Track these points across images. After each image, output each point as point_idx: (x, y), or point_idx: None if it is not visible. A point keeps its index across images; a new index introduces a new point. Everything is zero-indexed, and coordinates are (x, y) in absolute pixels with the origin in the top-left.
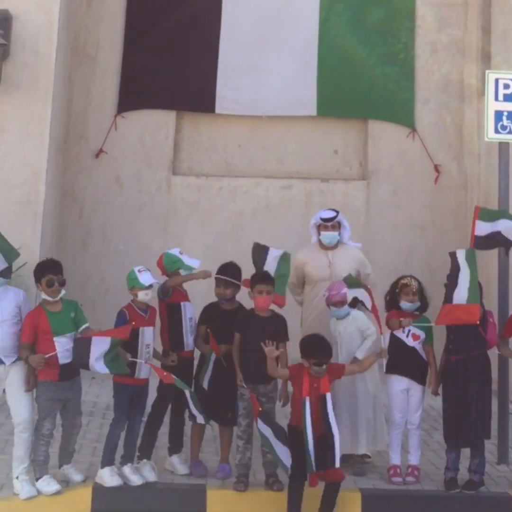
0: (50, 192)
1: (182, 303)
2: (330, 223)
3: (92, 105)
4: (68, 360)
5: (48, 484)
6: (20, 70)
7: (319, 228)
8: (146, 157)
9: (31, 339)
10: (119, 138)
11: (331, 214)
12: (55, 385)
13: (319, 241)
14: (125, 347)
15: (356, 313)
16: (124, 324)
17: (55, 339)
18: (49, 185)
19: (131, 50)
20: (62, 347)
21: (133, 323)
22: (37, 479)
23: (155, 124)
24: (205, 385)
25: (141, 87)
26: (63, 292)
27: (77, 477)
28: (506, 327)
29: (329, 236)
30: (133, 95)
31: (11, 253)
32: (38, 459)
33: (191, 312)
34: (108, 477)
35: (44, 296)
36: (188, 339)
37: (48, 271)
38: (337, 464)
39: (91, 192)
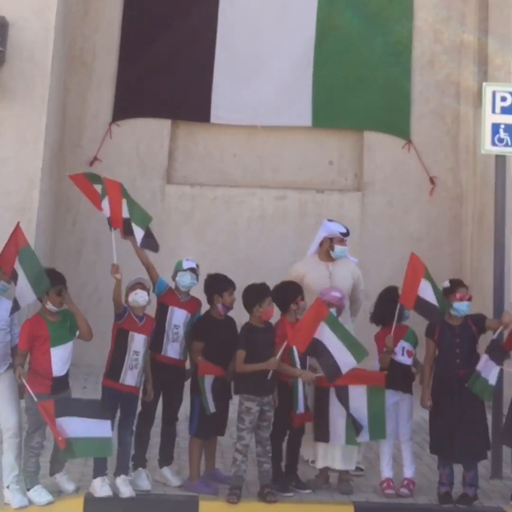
0: (45, 200)
1: (170, 307)
2: (347, 237)
3: (87, 113)
4: (61, 373)
5: (39, 495)
6: (16, 77)
7: (331, 241)
8: (141, 166)
9: (27, 347)
10: (114, 147)
11: (345, 228)
12: (47, 397)
13: (321, 252)
14: (114, 351)
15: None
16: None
17: (52, 349)
18: (43, 192)
19: (127, 59)
20: (58, 358)
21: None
22: (28, 489)
23: (150, 133)
24: (211, 409)
25: (137, 95)
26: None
27: (69, 486)
28: (508, 341)
29: (343, 250)
30: (129, 103)
31: (41, 283)
32: (28, 470)
33: (178, 320)
34: (98, 487)
35: (49, 306)
36: (167, 345)
37: (58, 281)
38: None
39: (85, 200)
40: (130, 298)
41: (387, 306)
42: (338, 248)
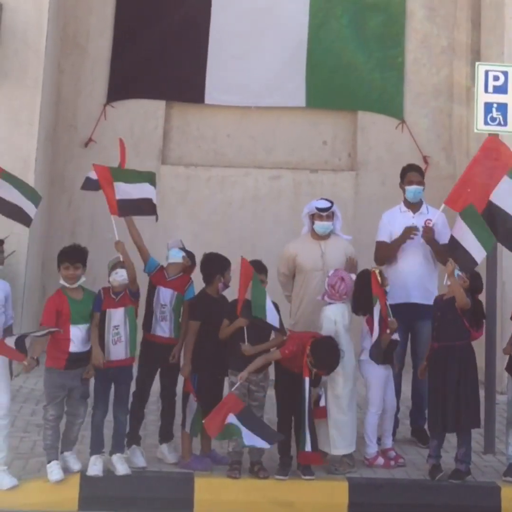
0: (39, 181)
1: (157, 287)
2: (325, 213)
3: (81, 94)
4: (77, 350)
5: (51, 472)
6: (10, 59)
7: (313, 217)
8: (135, 147)
9: (51, 323)
10: (108, 128)
11: (327, 204)
12: (60, 372)
13: (312, 230)
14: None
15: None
16: (99, 304)
17: (71, 327)
18: (38, 174)
19: (121, 40)
20: (76, 337)
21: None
22: (49, 462)
23: (144, 114)
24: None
25: (131, 76)
26: (82, 279)
27: (75, 466)
28: None
29: (323, 226)
30: (123, 84)
31: (34, 194)
32: (45, 443)
33: (165, 299)
34: (90, 466)
35: (61, 281)
36: (156, 325)
37: (70, 256)
38: (308, 448)
39: (80, 181)
40: (110, 278)
41: (366, 291)
42: (318, 224)
